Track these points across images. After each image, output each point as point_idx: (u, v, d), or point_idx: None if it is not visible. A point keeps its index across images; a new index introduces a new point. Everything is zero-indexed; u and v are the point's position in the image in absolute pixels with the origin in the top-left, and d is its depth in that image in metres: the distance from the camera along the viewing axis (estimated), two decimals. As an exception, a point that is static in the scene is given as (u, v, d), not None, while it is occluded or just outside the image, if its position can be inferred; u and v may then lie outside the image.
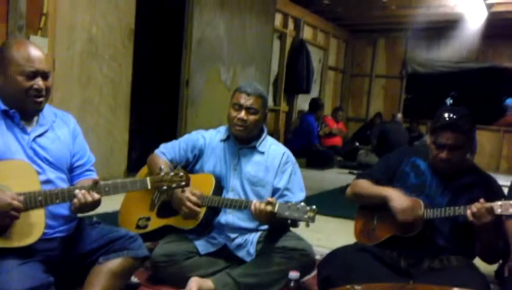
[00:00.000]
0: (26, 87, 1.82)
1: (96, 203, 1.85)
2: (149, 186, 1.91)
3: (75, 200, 1.81)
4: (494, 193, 1.99)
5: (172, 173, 1.96)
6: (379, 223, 2.21)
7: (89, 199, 1.81)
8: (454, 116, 2.02)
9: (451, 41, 9.26)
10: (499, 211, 1.83)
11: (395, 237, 2.10)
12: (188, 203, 2.25)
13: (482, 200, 1.88)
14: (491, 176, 2.19)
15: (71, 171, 2.06)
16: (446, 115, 2.03)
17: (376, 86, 10.61)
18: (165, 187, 1.94)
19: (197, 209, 2.27)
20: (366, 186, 2.25)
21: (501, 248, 1.99)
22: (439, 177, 2.13)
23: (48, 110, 2.00)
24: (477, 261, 2.14)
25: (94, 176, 2.11)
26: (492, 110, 10.81)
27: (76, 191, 1.81)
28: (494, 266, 2.75)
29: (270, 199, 2.12)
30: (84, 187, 1.84)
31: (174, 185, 1.96)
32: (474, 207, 1.87)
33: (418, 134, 8.87)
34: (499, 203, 1.85)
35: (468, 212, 1.88)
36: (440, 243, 2.07)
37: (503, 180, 2.46)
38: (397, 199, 2.06)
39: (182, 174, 1.97)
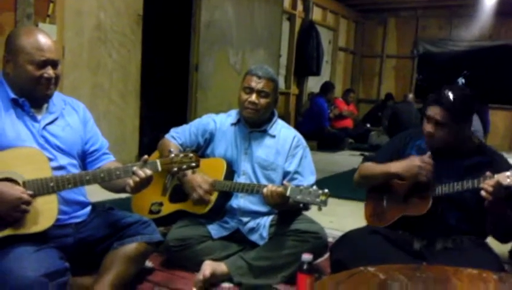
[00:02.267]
0: (37, 76, 1.82)
1: (150, 179, 1.88)
2: (159, 168, 1.89)
3: (130, 181, 1.84)
4: (504, 169, 1.95)
5: (182, 155, 1.94)
6: (389, 205, 2.20)
7: (143, 175, 1.85)
8: (450, 94, 2.00)
9: (463, 19, 9.11)
10: (508, 181, 1.79)
11: (407, 218, 2.10)
12: (199, 190, 2.25)
13: (488, 173, 1.85)
14: (500, 153, 2.17)
15: (87, 157, 2.07)
16: (444, 91, 2.03)
17: (387, 67, 10.50)
18: (175, 169, 1.93)
19: (207, 197, 2.27)
20: (372, 167, 2.25)
21: None
22: (444, 159, 2.10)
23: (57, 97, 2.00)
24: (491, 242, 2.13)
25: (112, 158, 2.14)
26: (505, 89, 10.65)
27: (135, 168, 1.84)
28: (508, 246, 2.74)
29: (285, 183, 2.11)
30: (128, 166, 1.86)
31: (184, 167, 1.94)
32: (488, 186, 1.82)
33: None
34: (507, 173, 1.81)
35: (483, 193, 1.84)
36: (451, 222, 2.06)
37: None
38: (405, 168, 2.07)
39: (191, 155, 1.96)
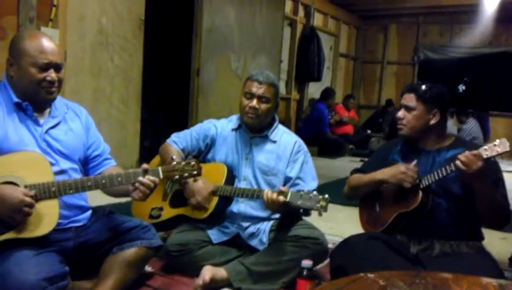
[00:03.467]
0: (39, 79, 1.83)
1: (156, 185, 1.90)
2: (161, 176, 1.91)
3: (137, 192, 1.86)
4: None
5: (183, 163, 1.95)
6: (382, 209, 2.23)
7: (151, 184, 1.87)
8: (422, 85, 2.14)
9: (464, 26, 9.13)
10: (486, 153, 1.87)
11: (402, 220, 2.11)
12: (198, 196, 2.26)
13: (467, 152, 1.90)
14: (474, 143, 2.24)
15: (89, 162, 2.08)
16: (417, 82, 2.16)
17: (388, 73, 10.52)
18: (176, 177, 1.94)
19: (206, 204, 2.28)
20: (360, 178, 2.29)
21: (505, 207, 1.98)
22: (425, 155, 2.15)
23: (60, 101, 2.01)
24: (491, 249, 2.13)
25: (114, 163, 2.15)
26: (506, 96, 10.66)
27: (140, 178, 1.85)
28: (508, 253, 2.75)
29: (282, 188, 2.12)
30: (129, 172, 1.87)
31: (185, 175, 1.95)
32: (462, 156, 1.89)
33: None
34: (485, 147, 1.90)
35: (458, 162, 1.90)
36: (443, 215, 2.06)
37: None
38: (390, 174, 2.11)
39: (193, 163, 1.97)
